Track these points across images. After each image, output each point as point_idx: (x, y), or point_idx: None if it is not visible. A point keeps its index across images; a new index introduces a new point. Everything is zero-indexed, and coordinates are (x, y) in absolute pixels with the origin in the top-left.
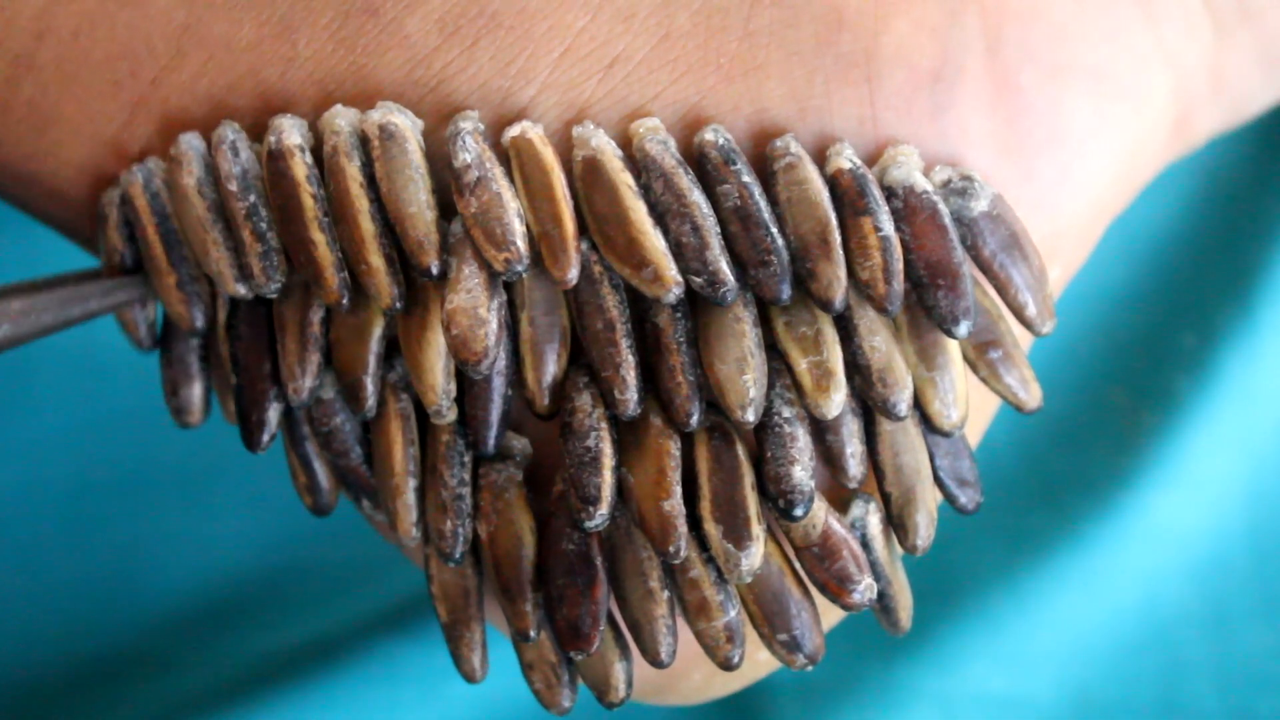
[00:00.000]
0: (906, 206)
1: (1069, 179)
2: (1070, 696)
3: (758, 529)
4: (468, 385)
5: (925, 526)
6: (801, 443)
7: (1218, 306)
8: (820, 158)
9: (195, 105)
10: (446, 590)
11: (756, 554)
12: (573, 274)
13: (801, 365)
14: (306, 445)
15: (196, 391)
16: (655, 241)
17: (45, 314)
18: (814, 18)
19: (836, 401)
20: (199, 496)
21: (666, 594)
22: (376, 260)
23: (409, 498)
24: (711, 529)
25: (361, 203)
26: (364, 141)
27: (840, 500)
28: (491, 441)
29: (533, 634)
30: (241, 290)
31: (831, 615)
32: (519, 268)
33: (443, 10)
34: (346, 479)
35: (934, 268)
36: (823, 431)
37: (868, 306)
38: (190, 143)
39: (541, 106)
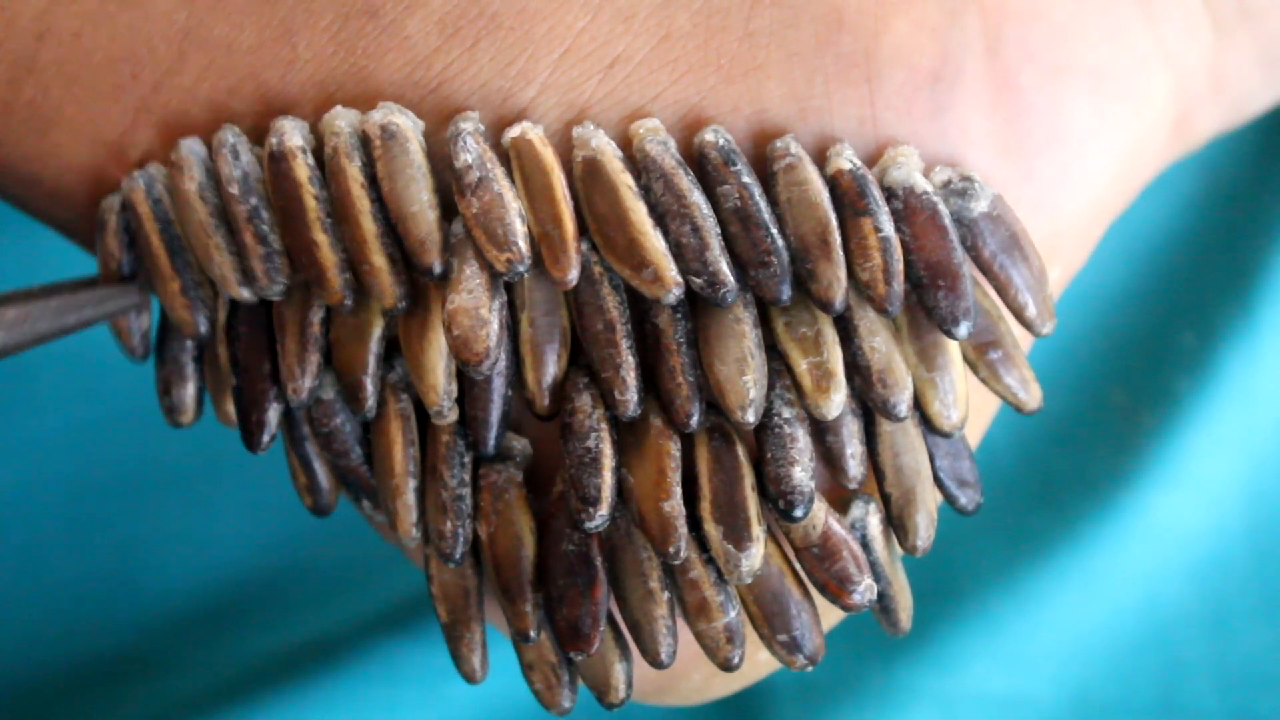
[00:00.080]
0: (906, 207)
1: (1069, 179)
2: (1070, 696)
3: (758, 530)
4: (468, 386)
5: (925, 527)
6: (801, 443)
7: (1218, 306)
8: (820, 158)
9: (196, 109)
10: (446, 591)
11: (756, 555)
12: (573, 275)
13: (801, 366)
14: (306, 445)
15: (189, 391)
16: (655, 242)
17: (41, 322)
18: (814, 18)
19: (836, 402)
20: (199, 496)
21: (666, 595)
22: (379, 260)
23: (409, 498)
24: (711, 530)
25: (363, 203)
26: (365, 142)
27: (840, 501)
28: (492, 442)
29: (533, 634)
30: (245, 294)
31: (831, 616)
32: (521, 268)
33: (443, 11)
34: (346, 479)
35: (934, 268)
36: (823, 432)
37: (868, 307)
38: (191, 148)
39: (542, 107)
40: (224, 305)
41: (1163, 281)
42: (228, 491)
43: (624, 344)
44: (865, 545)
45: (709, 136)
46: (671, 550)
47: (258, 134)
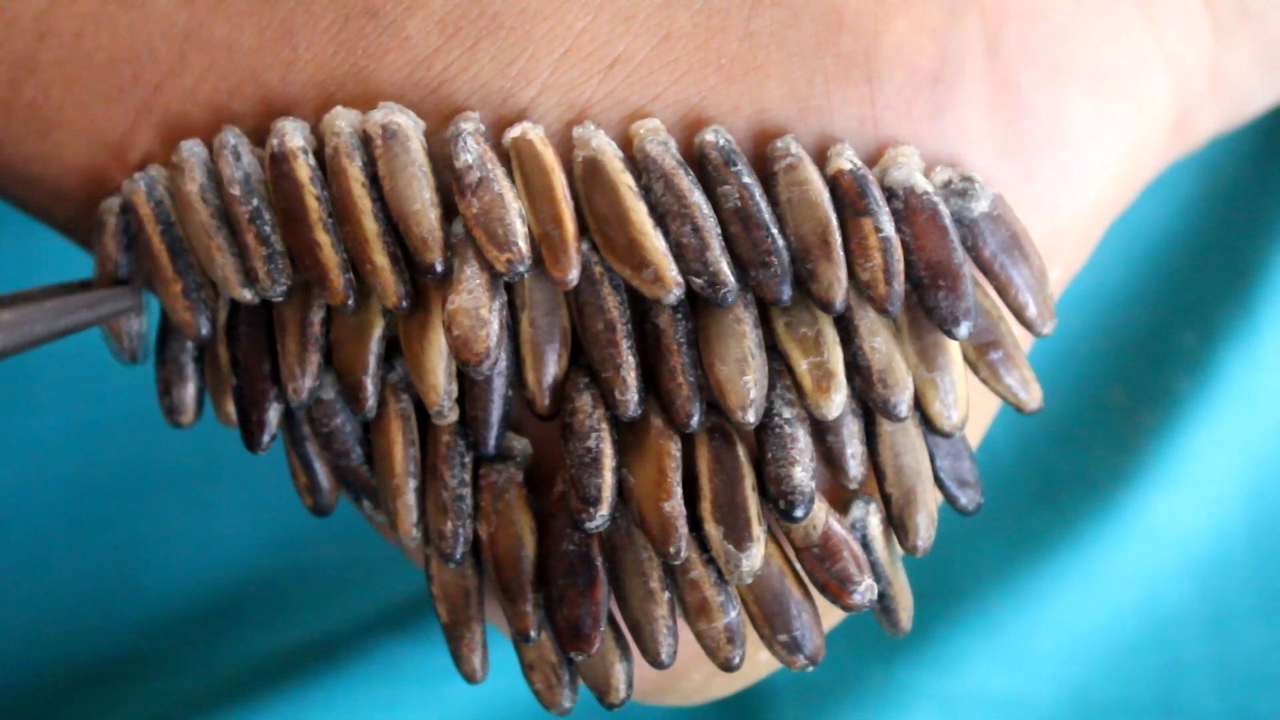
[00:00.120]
0: (907, 207)
1: (1069, 179)
2: (1070, 696)
3: (758, 530)
4: (468, 386)
5: (926, 527)
6: (802, 444)
7: (1218, 306)
8: (821, 158)
9: (197, 110)
10: (447, 591)
11: (757, 555)
12: (573, 275)
13: (802, 366)
14: (307, 446)
15: (189, 392)
16: (656, 242)
17: (36, 325)
18: (814, 18)
19: (837, 402)
20: (199, 496)
21: (667, 595)
22: (381, 259)
23: (409, 498)
24: (712, 530)
25: (364, 202)
26: (366, 141)
27: (841, 501)
28: (492, 442)
29: (533, 634)
30: (247, 295)
31: (832, 616)
32: (521, 268)
33: (443, 12)
34: (347, 479)
35: (934, 268)
36: (823, 432)
37: (868, 307)
38: (191, 149)
39: (542, 107)
40: (224, 305)
41: (1163, 281)
42: (228, 491)
43: (624, 344)
44: (866, 545)
45: (709, 136)
46: (672, 550)
47: (258, 135)
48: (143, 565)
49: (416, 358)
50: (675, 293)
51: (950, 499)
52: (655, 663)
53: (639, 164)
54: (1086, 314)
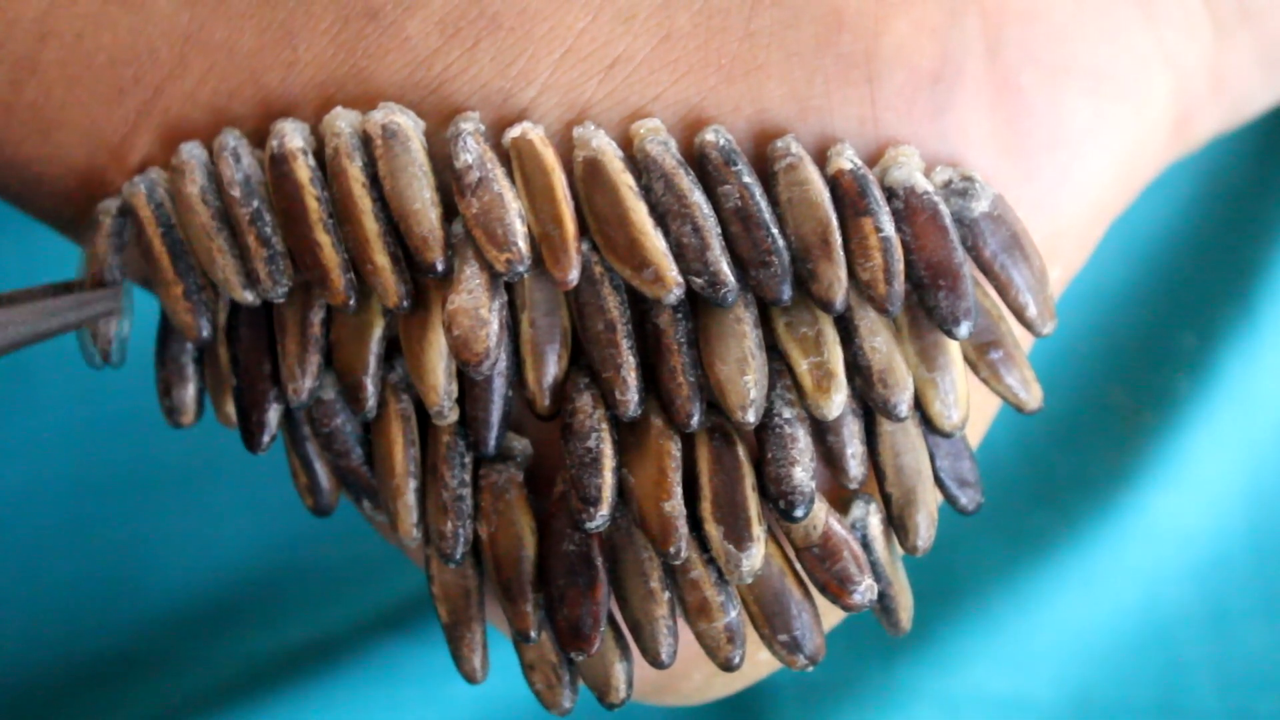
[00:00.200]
0: (907, 207)
1: (1069, 180)
2: (1070, 696)
3: (758, 530)
4: (468, 386)
5: (926, 527)
6: (802, 444)
7: (1218, 306)
8: (821, 158)
9: (197, 112)
10: (447, 591)
11: (757, 555)
12: (574, 275)
13: (802, 366)
14: (307, 446)
15: (190, 392)
16: (656, 242)
17: (20, 327)
18: (814, 18)
19: (837, 402)
20: (199, 496)
21: (667, 594)
22: (382, 259)
23: (410, 498)
24: (712, 530)
25: (365, 202)
26: (366, 141)
27: (841, 501)
28: (492, 442)
29: (533, 634)
30: (249, 297)
31: (832, 616)
32: (520, 268)
33: (443, 12)
34: (347, 480)
35: (935, 268)
36: (823, 432)
37: (868, 307)
38: (191, 151)
39: (542, 107)
40: (224, 306)
41: (1163, 281)
42: (228, 491)
43: (625, 344)
44: (866, 545)
45: (710, 136)
46: (672, 550)
47: (259, 136)
48: (143, 565)
49: (416, 358)
50: (675, 293)
51: (950, 499)
52: (655, 663)
53: (639, 164)
54: (1086, 314)
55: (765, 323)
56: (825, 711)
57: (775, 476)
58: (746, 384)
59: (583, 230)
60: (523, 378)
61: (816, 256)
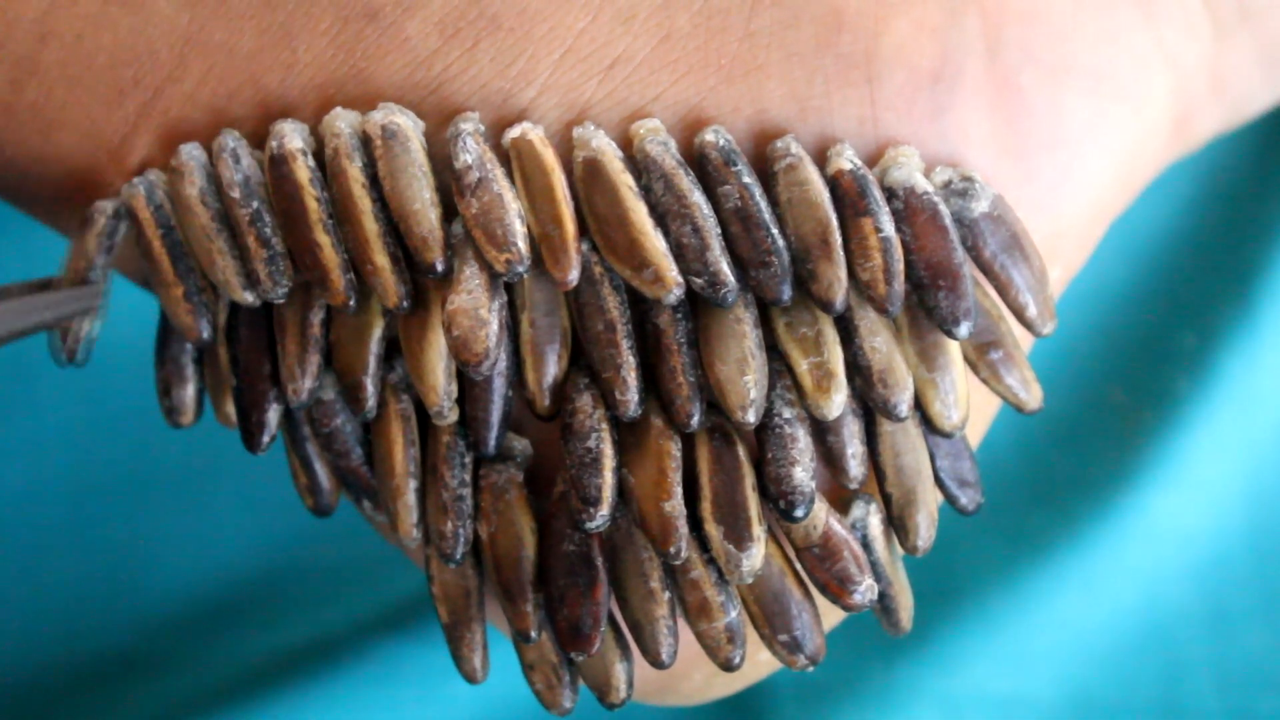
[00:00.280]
0: (907, 207)
1: (1069, 180)
2: (1070, 696)
3: (758, 530)
4: (468, 386)
5: (926, 527)
6: (802, 444)
7: (1218, 306)
8: (821, 158)
9: (197, 113)
10: (447, 591)
11: (757, 555)
12: (573, 275)
13: (802, 366)
14: (307, 446)
15: (189, 392)
16: (656, 243)
17: None
18: (814, 18)
19: (837, 402)
20: (199, 496)
21: (667, 595)
22: (381, 260)
23: (410, 499)
24: (712, 530)
25: (364, 203)
26: (366, 142)
27: (841, 501)
28: (492, 442)
29: (534, 635)
30: (249, 298)
31: (832, 616)
32: (520, 269)
33: (442, 13)
34: (347, 480)
35: (935, 269)
36: (823, 432)
37: (868, 307)
38: (191, 153)
39: (542, 108)
40: (224, 307)
41: (1163, 281)
42: (228, 491)
43: (625, 344)
44: (866, 545)
45: (709, 137)
46: (672, 550)
47: (258, 138)
48: (143, 565)
49: (416, 358)
50: (675, 293)
51: (950, 499)
52: (656, 663)
53: (639, 164)
54: (1086, 314)
55: (765, 323)
56: (825, 711)
57: (775, 476)
58: (746, 384)
59: (582, 230)
60: (523, 378)
61: (816, 257)
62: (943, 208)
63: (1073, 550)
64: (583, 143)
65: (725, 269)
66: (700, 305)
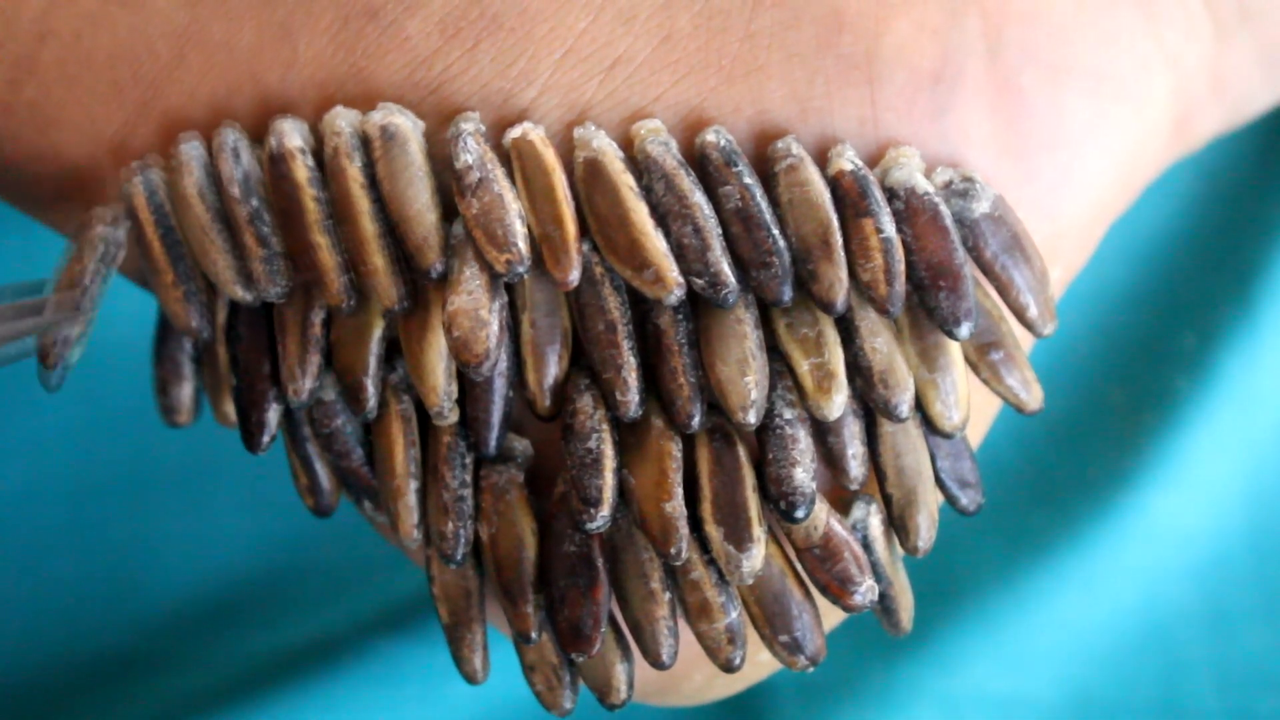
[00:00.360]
0: (908, 208)
1: (1070, 180)
2: (1070, 696)
3: (759, 531)
4: (469, 387)
5: (926, 528)
6: (803, 444)
7: (1218, 306)
8: (822, 159)
9: (196, 108)
10: (448, 591)
11: (757, 556)
12: (574, 275)
13: (803, 367)
14: (308, 446)
15: (187, 391)
16: (657, 243)
17: None
18: (815, 19)
19: (838, 403)
20: (199, 496)
21: (668, 595)
22: (379, 261)
23: (410, 499)
24: (713, 531)
25: (363, 204)
26: (365, 142)
27: (842, 502)
28: (493, 443)
29: (534, 635)
30: (245, 295)
31: (833, 616)
32: (520, 269)
33: (443, 12)
34: (348, 480)
35: (935, 269)
36: (824, 433)
37: (869, 308)
38: (190, 147)
39: (543, 108)
40: (224, 306)
41: (1163, 281)
42: (228, 491)
43: (625, 345)
44: (866, 546)
45: (710, 137)
46: (673, 551)
47: (258, 134)
48: (143, 565)
49: (416, 359)
50: (676, 293)
51: (951, 499)
52: (656, 664)
53: (640, 165)
54: (1086, 314)
55: (766, 323)
56: (825, 711)
57: (776, 477)
58: (747, 385)
59: (583, 231)
60: (523, 378)
61: (817, 257)
62: (944, 208)
63: (1073, 550)
64: (583, 143)
65: (726, 270)
66: (701, 306)
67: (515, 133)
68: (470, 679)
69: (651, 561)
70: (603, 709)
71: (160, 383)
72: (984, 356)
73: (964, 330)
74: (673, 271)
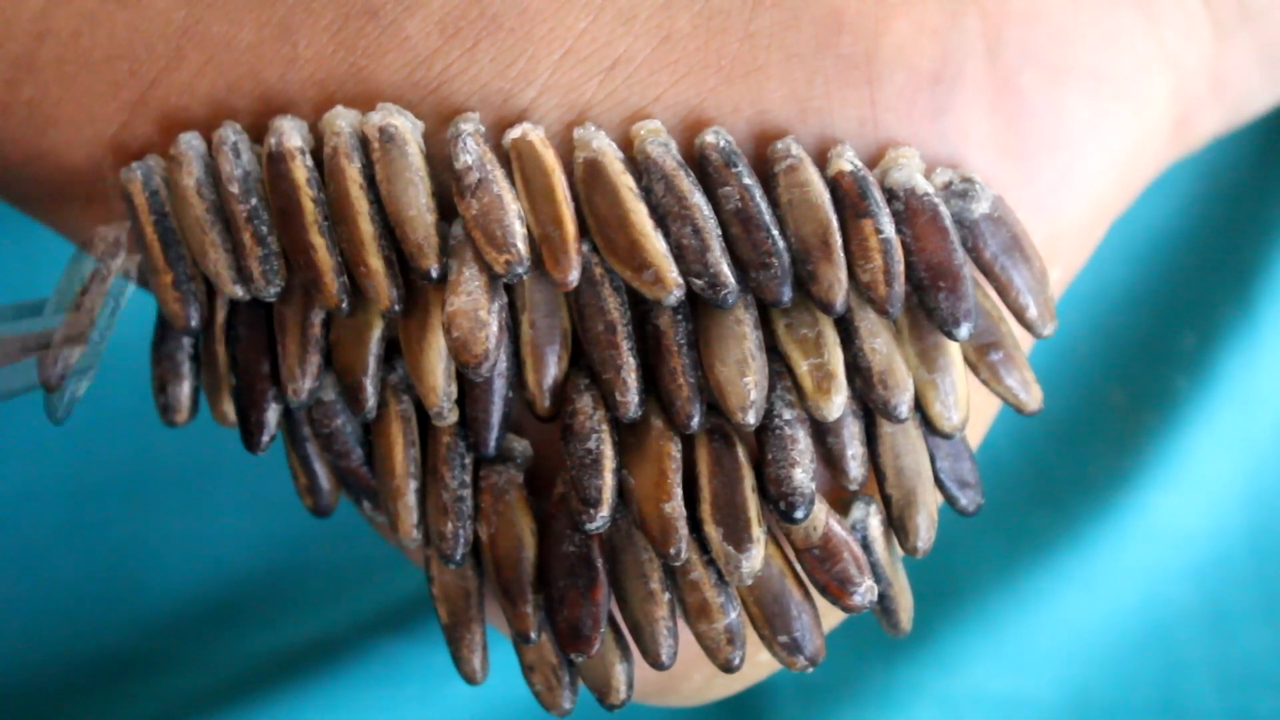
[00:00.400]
0: (907, 208)
1: (1069, 181)
2: (1070, 696)
3: (758, 531)
4: (468, 387)
5: (926, 528)
6: (802, 445)
7: (1218, 306)
8: (821, 159)
9: (195, 105)
10: (447, 592)
11: (757, 556)
12: (574, 276)
13: (802, 367)
14: (307, 446)
15: (185, 390)
16: (656, 244)
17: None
18: (814, 19)
19: (837, 404)
20: (199, 496)
21: (667, 596)
22: (375, 262)
23: (410, 499)
24: (712, 531)
25: (361, 204)
26: (364, 143)
27: (841, 502)
28: (492, 443)
29: (533, 635)
30: (239, 292)
31: (832, 617)
32: (519, 270)
33: (443, 12)
34: (347, 480)
35: (935, 270)
36: (823, 433)
37: (869, 308)
38: (190, 143)
39: (542, 108)
40: (223, 305)
41: (1163, 281)
42: (228, 491)
43: (625, 345)
44: (866, 546)
45: (710, 138)
46: (672, 551)
47: (257, 131)
48: (143, 565)
49: (415, 359)
50: (676, 294)
51: (950, 500)
52: (656, 664)
53: (639, 165)
54: (1086, 314)
55: (765, 324)
56: (825, 711)
57: (775, 478)
58: (747, 385)
59: (583, 231)
60: (523, 379)
61: (817, 258)
62: (943, 209)
63: (1073, 550)
64: (583, 143)
65: (726, 270)
66: (700, 306)
67: (515, 133)
68: (469, 679)
69: (651, 562)
70: (602, 709)
71: (158, 381)
72: (983, 357)
73: (963, 331)
74: (672, 272)
